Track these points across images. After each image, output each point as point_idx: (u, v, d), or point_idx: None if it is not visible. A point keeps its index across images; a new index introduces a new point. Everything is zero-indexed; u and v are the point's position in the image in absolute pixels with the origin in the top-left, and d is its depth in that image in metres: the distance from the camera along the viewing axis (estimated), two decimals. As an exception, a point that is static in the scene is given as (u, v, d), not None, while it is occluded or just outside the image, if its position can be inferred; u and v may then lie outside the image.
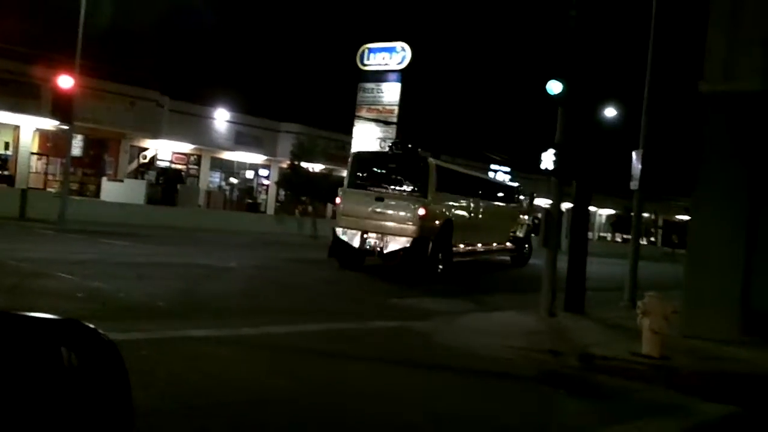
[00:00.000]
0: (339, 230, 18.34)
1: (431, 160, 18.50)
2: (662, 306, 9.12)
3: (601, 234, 67.40)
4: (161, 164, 38.95)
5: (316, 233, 32.82)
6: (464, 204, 20.06)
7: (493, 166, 53.19)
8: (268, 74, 42.53)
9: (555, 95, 12.13)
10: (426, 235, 17.27)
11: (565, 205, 15.16)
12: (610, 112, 23.81)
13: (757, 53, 10.94)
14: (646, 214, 31.65)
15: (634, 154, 15.07)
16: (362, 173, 18.69)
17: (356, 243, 17.70)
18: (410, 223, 17.13)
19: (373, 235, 17.50)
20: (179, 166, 39.91)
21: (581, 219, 14.12)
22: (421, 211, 17.20)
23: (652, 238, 63.69)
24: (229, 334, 8.67)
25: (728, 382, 8.27)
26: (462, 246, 19.70)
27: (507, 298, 15.15)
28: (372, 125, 40.68)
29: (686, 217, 38.67)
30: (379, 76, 41.19)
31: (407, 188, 17.98)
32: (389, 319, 11.13)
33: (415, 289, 15.61)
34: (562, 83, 12.03)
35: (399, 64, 40.63)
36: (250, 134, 41.20)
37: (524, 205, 26.23)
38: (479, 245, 21.19)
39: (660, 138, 17.39)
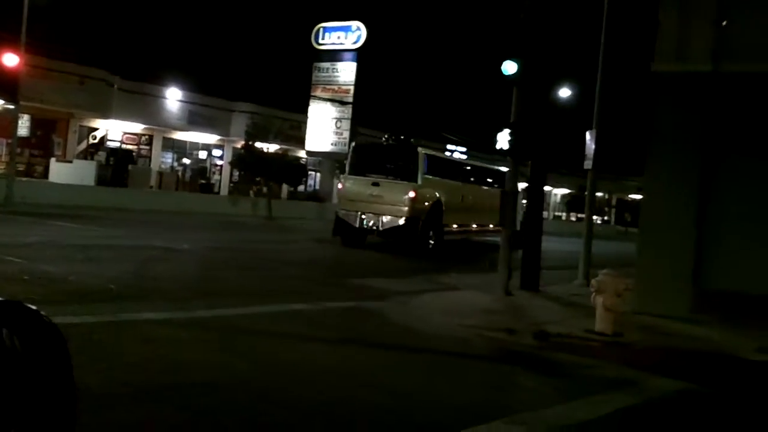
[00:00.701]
0: (341, 212, 20.54)
1: (420, 149, 20.71)
2: (615, 284, 9.24)
3: (557, 213, 68.28)
4: (112, 145, 38.15)
5: (271, 214, 32.59)
6: (453, 187, 21.61)
7: (449, 146, 53.41)
8: (221, 53, 41.90)
9: (510, 75, 12.14)
10: (416, 215, 19.34)
11: (522, 185, 15.27)
12: (564, 92, 24.03)
13: (708, 34, 11.07)
14: (599, 194, 32.10)
15: (587, 134, 15.20)
16: (361, 162, 20.85)
17: (356, 223, 19.91)
18: (402, 204, 19.32)
19: (371, 215, 19.73)
20: (130, 147, 39.13)
21: (536, 198, 14.23)
22: (411, 194, 19.41)
23: (606, 217, 64.72)
24: (182, 317, 8.54)
25: (679, 358, 8.42)
26: (454, 226, 21.59)
27: (477, 276, 15.21)
28: (328, 105, 40.45)
29: (639, 197, 39.40)
30: (335, 55, 40.92)
31: (400, 174, 19.98)
32: (345, 299, 11.09)
33: (380, 268, 15.60)
34: (517, 63, 12.05)
35: (354, 43, 40.38)
36: (203, 114, 40.57)
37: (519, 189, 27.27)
38: (473, 225, 22.82)
39: (614, 118, 17.60)
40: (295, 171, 37.31)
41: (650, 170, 11.83)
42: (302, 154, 42.58)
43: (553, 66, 14.43)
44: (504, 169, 28.00)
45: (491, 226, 22.87)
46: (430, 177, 20.19)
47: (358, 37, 39.90)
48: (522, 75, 12.06)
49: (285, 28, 41.63)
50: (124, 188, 33.20)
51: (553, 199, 67.44)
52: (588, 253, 15.30)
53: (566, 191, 64.57)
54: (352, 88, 40.06)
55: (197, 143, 42.43)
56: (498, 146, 12.47)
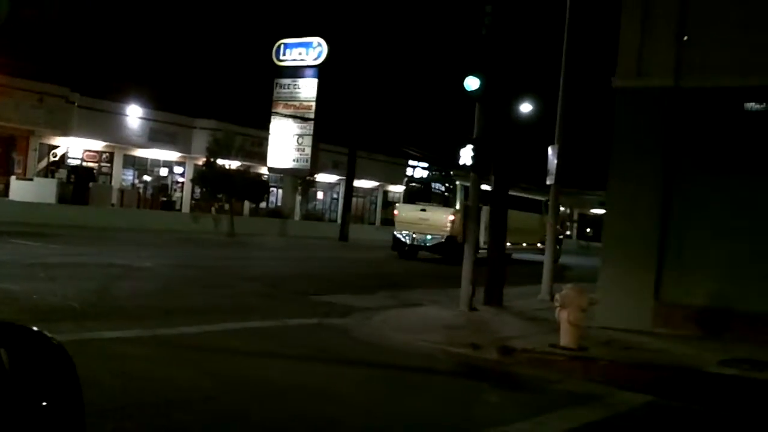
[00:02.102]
0: (396, 233, 26.61)
1: (458, 182, 25.48)
2: (579, 298, 9.26)
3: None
4: (72, 162, 37.52)
5: (233, 231, 32.31)
6: (486, 212, 25.41)
7: (411, 162, 53.54)
8: (182, 69, 41.53)
9: (472, 91, 12.19)
10: (455, 235, 23.73)
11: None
12: (527, 107, 24.32)
13: (668, 49, 11.23)
14: (561, 208, 32.84)
15: (550, 149, 15.33)
16: (414, 192, 27.31)
17: (408, 241, 25.80)
18: (444, 226, 24.70)
19: (420, 235, 25.52)
20: (91, 164, 38.51)
21: (500, 214, 14.28)
22: (450, 218, 24.91)
23: (568, 232, 65.37)
24: (145, 335, 8.39)
25: (643, 372, 8.45)
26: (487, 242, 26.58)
27: (442, 291, 15.18)
28: (289, 121, 40.33)
29: (601, 211, 39.73)
30: (296, 71, 40.84)
31: (443, 202, 25.91)
32: (309, 316, 10.99)
33: (337, 286, 15.51)
34: (479, 79, 12.10)
35: (315, 59, 40.35)
36: (164, 131, 40.13)
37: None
38: (507, 244, 25.77)
39: (576, 133, 17.78)
40: (257, 188, 37.06)
41: (612, 185, 11.94)
42: (264, 170, 42.34)
43: (515, 82, 14.56)
44: (542, 198, 32.79)
45: (524, 244, 28.53)
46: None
47: (319, 53, 39.90)
48: (484, 91, 12.12)
49: (246, 45, 41.41)
50: (85, 206, 32.68)
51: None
52: (551, 267, 15.39)
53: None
54: (313, 104, 39.98)
55: (158, 160, 41.94)
56: (461, 162, 12.53)
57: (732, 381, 8.21)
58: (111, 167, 39.54)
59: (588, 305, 9.44)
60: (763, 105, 11.06)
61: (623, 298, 11.32)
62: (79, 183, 34.46)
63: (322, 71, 39.81)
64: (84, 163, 38.02)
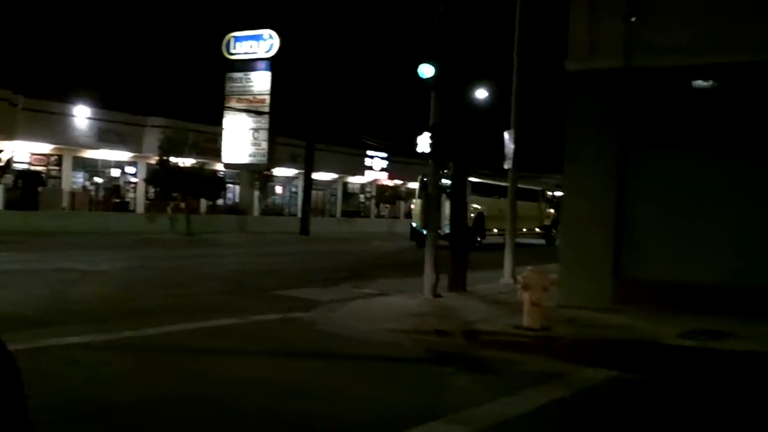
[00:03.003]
0: (414, 224, 30.12)
1: (467, 177, 29.49)
2: (541, 279, 9.38)
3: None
4: (19, 167, 36.67)
5: (190, 230, 31.97)
6: (492, 202, 29.84)
7: (370, 152, 53.46)
8: (129, 67, 40.84)
9: (427, 79, 12.21)
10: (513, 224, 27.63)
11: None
12: (482, 93, 24.50)
13: (618, 30, 11.38)
14: (557, 193, 34.52)
15: (506, 134, 15.44)
16: (426, 188, 29.24)
17: (424, 231, 27.71)
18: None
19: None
20: (39, 168, 37.69)
21: (459, 200, 14.35)
22: None
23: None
24: (105, 339, 8.26)
25: (606, 348, 8.59)
26: (495, 230, 30.00)
27: (406, 280, 15.22)
28: (243, 116, 39.89)
29: (558, 193, 40.60)
30: (247, 65, 40.38)
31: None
32: (273, 311, 10.93)
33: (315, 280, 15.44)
34: (434, 66, 12.13)
35: (267, 52, 39.93)
36: (114, 130, 39.41)
37: (551, 201, 37.94)
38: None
39: (532, 116, 17.95)
40: (213, 184, 36.70)
41: (568, 167, 12.07)
42: (220, 166, 41.92)
43: (470, 68, 14.62)
44: (538, 188, 37.54)
45: (524, 230, 31.58)
46: (475, 196, 28.04)
47: (271, 46, 39.50)
48: (439, 78, 12.15)
49: (194, 39, 40.85)
50: (35, 211, 32.00)
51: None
52: (513, 250, 15.53)
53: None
54: (267, 97, 39.59)
55: (109, 161, 41.22)
56: (419, 149, 12.53)
57: (690, 352, 8.39)
58: (60, 170, 38.73)
59: (550, 285, 9.56)
60: (711, 83, 11.30)
61: (583, 277, 11.47)
62: (27, 188, 33.74)
63: (274, 64, 39.44)
64: (31, 167, 37.15)
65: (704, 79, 11.24)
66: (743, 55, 10.76)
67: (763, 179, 10.89)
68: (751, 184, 10.94)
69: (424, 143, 12.48)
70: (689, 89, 11.30)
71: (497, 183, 31.64)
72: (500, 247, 28.48)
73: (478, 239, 29.20)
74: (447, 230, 26.78)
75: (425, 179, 32.00)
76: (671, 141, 11.32)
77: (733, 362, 8.03)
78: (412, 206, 31.69)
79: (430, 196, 12.83)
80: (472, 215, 29.11)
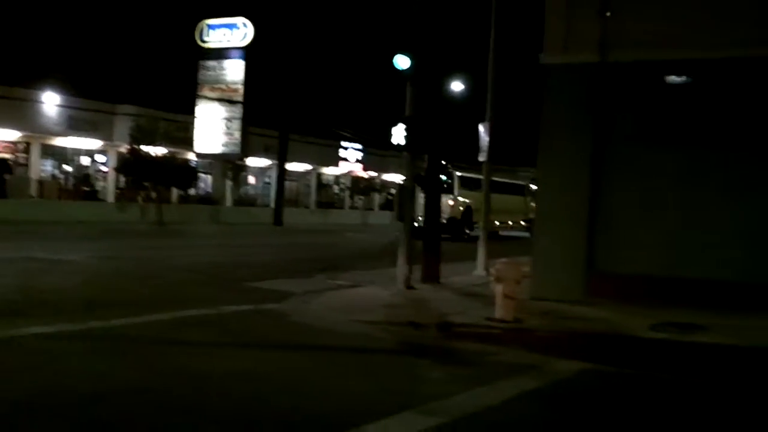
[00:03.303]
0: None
1: (456, 172, 31.20)
2: (514, 271, 9.40)
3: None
4: (-14, 154, 36.04)
5: (162, 219, 31.67)
6: (479, 196, 30.99)
7: (344, 143, 53.28)
8: (100, 54, 40.23)
9: (403, 70, 12.17)
10: (455, 216, 30.01)
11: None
12: (458, 85, 24.52)
13: (593, 25, 11.40)
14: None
15: (481, 126, 15.44)
16: (418, 183, 31.88)
17: (416, 223, 29.53)
18: (445, 209, 25.61)
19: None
20: (6, 156, 37.06)
21: (434, 192, 14.33)
22: (450, 203, 30.22)
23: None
24: (73, 329, 8.12)
25: (578, 340, 8.64)
26: (482, 223, 32.84)
27: (378, 271, 15.17)
28: (216, 105, 39.53)
29: (533, 187, 41.42)
30: (221, 53, 40.00)
31: (443, 190, 27.32)
32: (245, 302, 10.83)
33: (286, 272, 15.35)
34: (410, 57, 12.08)
35: (241, 40, 39.59)
36: (84, 118, 38.83)
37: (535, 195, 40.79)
38: (496, 222, 31.15)
39: (507, 109, 17.97)
40: (185, 174, 36.39)
41: (543, 160, 12.09)
42: (192, 156, 41.54)
43: (446, 60, 14.59)
44: (522, 183, 38.53)
45: (510, 222, 35.11)
46: (463, 190, 31.05)
47: (245, 35, 39.16)
48: (415, 69, 12.11)
49: (166, 26, 40.33)
50: (2, 199, 31.51)
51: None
52: (486, 243, 15.56)
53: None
54: (241, 87, 39.28)
55: (79, 149, 40.66)
56: (394, 141, 12.47)
57: (662, 344, 8.48)
58: (28, 158, 38.12)
59: (522, 278, 9.58)
60: (684, 78, 11.38)
61: (557, 269, 11.52)
62: (-6, 175, 33.20)
63: (248, 53, 39.12)
64: (-1, 155, 36.56)
65: (679, 74, 11.32)
66: (718, 51, 10.85)
67: (737, 174, 11.00)
68: (725, 179, 11.06)
69: (399, 135, 12.43)
70: (664, 84, 11.38)
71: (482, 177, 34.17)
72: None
73: (467, 231, 30.93)
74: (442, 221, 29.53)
75: (421, 174, 34.15)
76: (646, 135, 11.40)
77: (703, 355, 8.11)
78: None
79: (405, 188, 12.78)
80: (461, 208, 31.29)
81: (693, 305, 10.31)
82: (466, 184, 31.75)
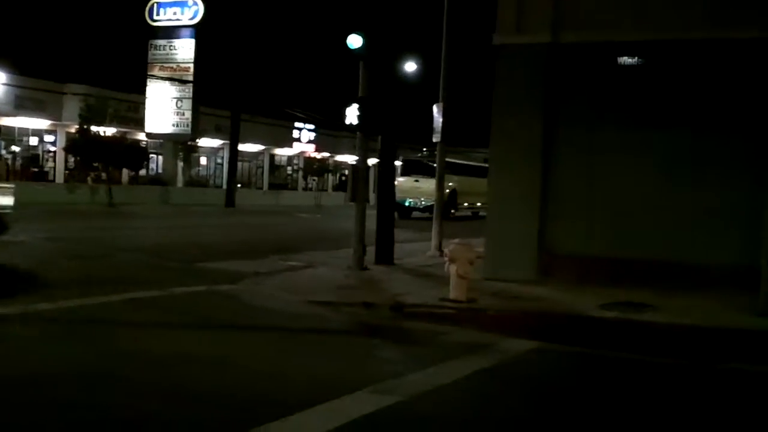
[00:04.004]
0: (397, 197, 31.57)
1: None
2: (467, 252, 9.44)
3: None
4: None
5: (112, 200, 31.14)
6: (464, 180, 33.93)
7: (297, 124, 52.90)
8: (48, 32, 39.21)
9: (355, 49, 12.09)
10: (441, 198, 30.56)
11: (372, 161, 15.32)
12: (412, 65, 24.48)
13: (546, 5, 11.46)
14: None
15: (435, 107, 15.44)
16: (407, 168, 34.64)
17: (405, 204, 32.09)
18: (431, 192, 26.16)
19: (413, 199, 32.81)
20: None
21: (387, 172, 14.31)
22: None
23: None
24: (20, 311, 7.92)
25: (530, 320, 8.73)
26: (465, 204, 35.12)
27: (330, 252, 15.11)
28: (167, 84, 38.86)
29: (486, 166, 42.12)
30: (171, 32, 39.31)
31: (430, 174, 27.60)
32: (196, 284, 10.71)
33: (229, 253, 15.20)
34: (362, 37, 12.00)
35: (192, 19, 38.93)
36: (32, 97, 37.92)
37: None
38: (478, 204, 34.70)
39: (461, 91, 18.00)
40: (136, 154, 35.79)
41: (495, 142, 12.14)
42: (142, 136, 40.83)
43: (399, 39, 14.52)
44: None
45: (485, 204, 34.47)
46: (449, 174, 30.17)
47: (195, 12, 38.51)
48: (368, 49, 12.04)
49: (116, 3, 39.45)
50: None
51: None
52: (440, 223, 15.62)
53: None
54: (191, 66, 38.66)
55: (27, 129, 39.70)
56: (347, 121, 12.41)
57: (611, 323, 8.63)
58: (-26, 138, 37.12)
59: (476, 258, 9.63)
60: (635, 59, 11.51)
61: (509, 250, 11.61)
62: (-62, 156, 32.23)
63: (199, 31, 38.49)
64: (-59, 135, 35.52)
65: (629, 55, 11.44)
66: (670, 32, 11.00)
67: (686, 154, 11.17)
68: (674, 159, 11.23)
69: (352, 115, 12.36)
70: (615, 65, 11.49)
71: (468, 163, 36.25)
72: (469, 218, 32.93)
73: (452, 211, 32.24)
74: (425, 203, 30.67)
75: (410, 159, 34.98)
76: (597, 116, 11.51)
77: (652, 333, 8.27)
78: (396, 183, 36.36)
79: (359, 168, 12.73)
80: (447, 191, 32.63)
81: (643, 285, 10.49)
82: (452, 169, 32.36)
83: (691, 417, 5.66)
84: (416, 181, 32.91)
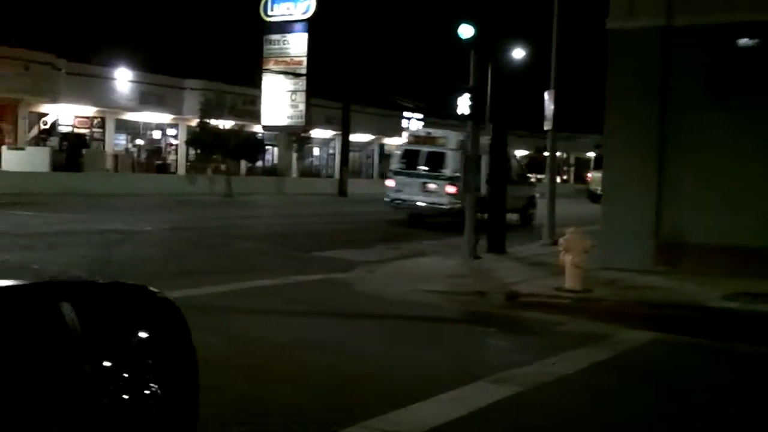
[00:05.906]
0: (590, 188, 35.48)
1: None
2: (582, 241, 9.35)
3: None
4: (63, 129, 37.24)
5: (231, 191, 32.27)
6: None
7: (405, 113, 53.08)
8: (169, 30, 40.96)
9: (466, 39, 12.08)
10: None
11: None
12: (522, 53, 24.16)
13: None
14: (558, 153, 34.62)
15: (546, 94, 15.25)
16: (599, 162, 34.20)
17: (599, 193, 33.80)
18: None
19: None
20: (83, 131, 38.24)
21: (499, 162, 14.26)
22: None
23: (565, 176, 65.31)
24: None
25: (648, 310, 8.58)
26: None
27: (442, 240, 15.24)
28: (281, 78, 39.83)
29: (593, 154, 41.15)
30: (285, 26, 40.15)
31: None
32: (312, 273, 11.05)
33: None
34: (473, 26, 11.99)
35: (304, 13, 39.64)
36: (155, 93, 39.72)
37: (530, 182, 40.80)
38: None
39: (571, 76, 17.68)
40: (253, 146, 36.91)
41: (609, 129, 11.92)
42: (258, 128, 42.06)
43: (509, 28, 14.41)
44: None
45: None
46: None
47: (308, 7, 39.20)
48: (479, 39, 12.02)
49: (231, 2, 40.74)
50: (79, 173, 32.55)
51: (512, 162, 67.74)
52: (552, 212, 15.44)
53: (524, 152, 64.96)
54: (304, 59, 39.43)
55: (151, 123, 41.63)
56: (459, 111, 12.43)
57: (734, 314, 8.35)
58: (103, 132, 39.27)
59: (590, 247, 9.52)
60: (754, 40, 11.02)
61: (624, 238, 11.39)
62: (71, 150, 34.29)
63: (311, 25, 39.23)
64: (75, 130, 37.75)
65: (747, 36, 10.96)
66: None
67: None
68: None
69: (464, 105, 12.38)
70: (732, 47, 11.04)
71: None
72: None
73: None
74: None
75: (598, 155, 38.62)
76: (713, 102, 11.09)
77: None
78: (589, 176, 38.31)
79: (470, 157, 12.75)
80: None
81: (763, 275, 10.06)
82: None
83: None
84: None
